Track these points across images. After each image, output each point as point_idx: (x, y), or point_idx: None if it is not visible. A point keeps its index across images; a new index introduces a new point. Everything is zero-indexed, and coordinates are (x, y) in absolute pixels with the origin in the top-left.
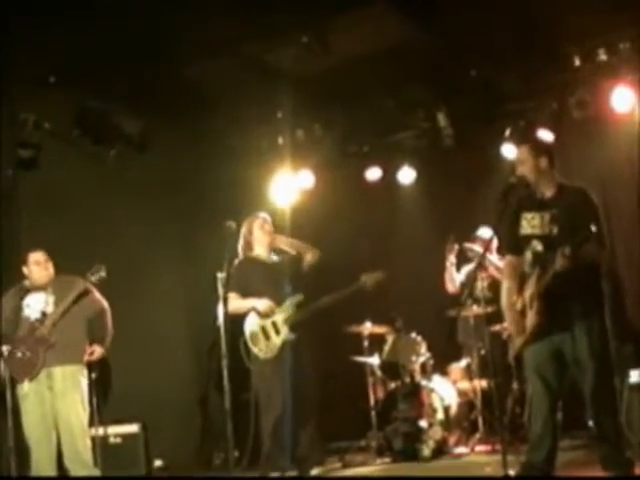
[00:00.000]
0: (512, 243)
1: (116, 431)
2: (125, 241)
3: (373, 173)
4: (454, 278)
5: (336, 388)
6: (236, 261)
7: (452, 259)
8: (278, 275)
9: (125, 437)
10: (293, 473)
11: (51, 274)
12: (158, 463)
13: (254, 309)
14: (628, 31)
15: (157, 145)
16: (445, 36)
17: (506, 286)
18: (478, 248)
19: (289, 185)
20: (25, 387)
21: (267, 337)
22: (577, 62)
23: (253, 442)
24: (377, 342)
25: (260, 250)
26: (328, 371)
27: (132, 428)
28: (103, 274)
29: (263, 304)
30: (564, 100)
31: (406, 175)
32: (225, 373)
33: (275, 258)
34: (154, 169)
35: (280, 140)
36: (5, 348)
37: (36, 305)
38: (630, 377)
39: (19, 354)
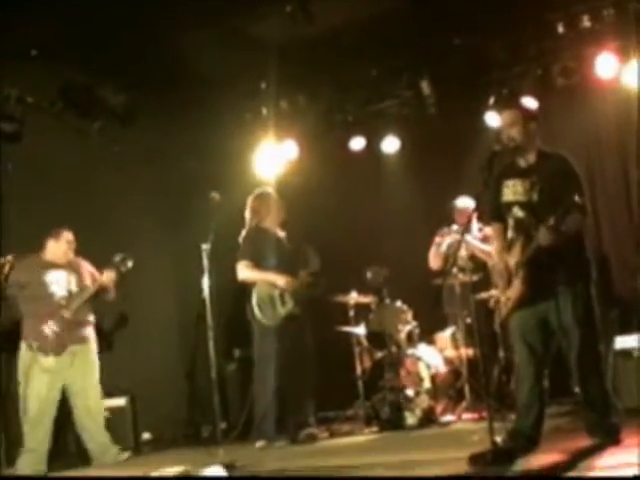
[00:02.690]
0: (494, 211)
1: (104, 404)
2: (109, 214)
3: (357, 143)
4: (439, 254)
5: (322, 358)
6: (245, 230)
7: (437, 239)
8: (286, 249)
9: (113, 410)
10: (281, 442)
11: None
12: (146, 436)
13: (274, 283)
14: None
15: (141, 117)
16: (428, 4)
17: (496, 247)
18: (451, 239)
19: (273, 155)
20: (50, 361)
21: (273, 306)
22: (561, 29)
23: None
24: (363, 312)
25: (271, 225)
26: (314, 341)
27: (120, 401)
28: (130, 265)
29: (286, 281)
30: (548, 67)
31: (390, 144)
32: (211, 345)
33: (282, 234)
34: (138, 141)
35: (264, 111)
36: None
37: (62, 283)
38: (616, 343)
39: (46, 329)
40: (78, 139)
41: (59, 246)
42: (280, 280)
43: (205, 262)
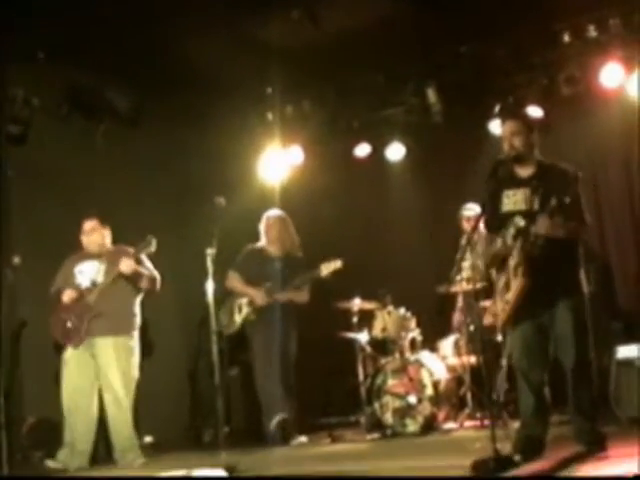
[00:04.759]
0: (494, 222)
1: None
2: (114, 216)
3: (362, 149)
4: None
5: (325, 364)
6: (248, 247)
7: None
8: (275, 267)
9: None
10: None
11: (103, 242)
12: (148, 439)
13: (251, 297)
14: (618, 7)
15: (147, 121)
16: (435, 11)
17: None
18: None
19: (278, 161)
20: (68, 353)
21: (231, 315)
22: (567, 38)
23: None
24: (366, 318)
25: (266, 243)
26: (318, 347)
27: None
28: (152, 249)
29: (261, 297)
30: (553, 76)
31: (395, 151)
32: (214, 349)
33: (282, 250)
34: (143, 145)
35: (269, 116)
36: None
37: (88, 273)
38: (618, 353)
39: (68, 321)
40: (84, 141)
41: (83, 239)
42: (257, 297)
43: (210, 266)
